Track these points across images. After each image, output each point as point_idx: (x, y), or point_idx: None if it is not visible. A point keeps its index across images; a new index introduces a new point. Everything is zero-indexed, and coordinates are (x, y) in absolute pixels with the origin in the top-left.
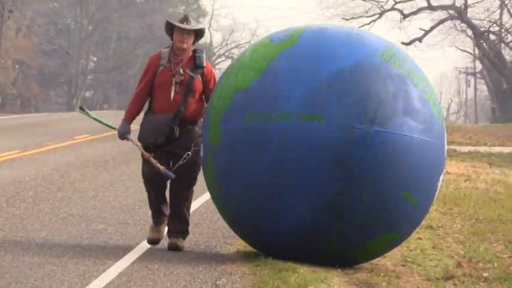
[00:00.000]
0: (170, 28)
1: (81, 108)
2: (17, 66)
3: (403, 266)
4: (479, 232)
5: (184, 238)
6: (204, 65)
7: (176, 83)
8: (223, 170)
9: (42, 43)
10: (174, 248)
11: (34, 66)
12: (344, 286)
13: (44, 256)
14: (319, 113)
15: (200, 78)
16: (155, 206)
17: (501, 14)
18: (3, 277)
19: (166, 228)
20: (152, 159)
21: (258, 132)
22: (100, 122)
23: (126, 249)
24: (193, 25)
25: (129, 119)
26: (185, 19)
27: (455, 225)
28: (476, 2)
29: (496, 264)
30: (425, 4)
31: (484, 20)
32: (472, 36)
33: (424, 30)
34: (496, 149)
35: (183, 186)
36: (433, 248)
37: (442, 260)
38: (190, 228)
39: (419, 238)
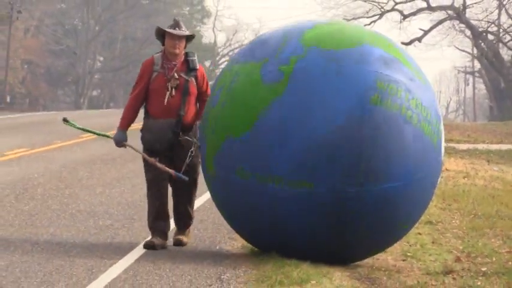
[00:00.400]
0: (161, 34)
1: (65, 120)
2: (26, 66)
3: (403, 260)
4: (477, 227)
5: (188, 233)
6: (198, 67)
7: (172, 87)
8: (220, 198)
9: (50, 43)
10: (178, 244)
11: (42, 66)
12: (346, 281)
13: (52, 251)
14: (310, 180)
15: (194, 82)
16: (156, 211)
17: (499, 14)
18: (13, 272)
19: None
20: (158, 164)
21: (251, 189)
22: (90, 131)
23: (132, 245)
24: (184, 30)
25: (125, 126)
26: (176, 24)
27: (454, 221)
28: (475, 3)
29: (494, 259)
30: (424, 5)
31: (482, 20)
32: (471, 36)
33: (423, 30)
34: (494, 147)
35: (186, 183)
36: (433, 243)
37: (442, 254)
38: (195, 224)
39: (419, 233)
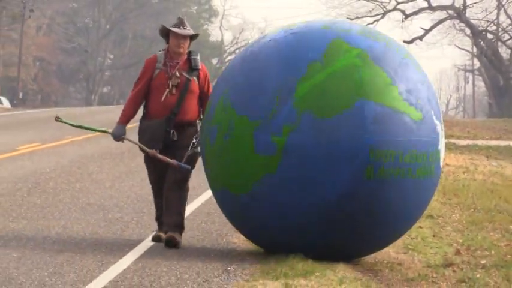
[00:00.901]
0: (166, 32)
1: (57, 119)
2: (38, 63)
3: (404, 253)
4: (477, 221)
5: (180, 233)
6: (200, 67)
7: (173, 85)
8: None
9: (61, 41)
10: (172, 242)
11: (54, 63)
12: (349, 273)
13: (64, 243)
14: (306, 247)
15: (196, 81)
16: (161, 208)
17: (498, 14)
18: (25, 263)
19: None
20: (159, 155)
21: (253, 235)
22: (85, 128)
23: (141, 237)
24: (189, 29)
25: (125, 121)
26: (181, 23)
27: (454, 215)
28: (475, 3)
29: (493, 252)
30: (426, 5)
31: (481, 19)
32: (471, 35)
33: (424, 29)
34: (493, 143)
35: (178, 181)
36: (434, 236)
37: (442, 248)
38: (202, 217)
39: (420, 227)
